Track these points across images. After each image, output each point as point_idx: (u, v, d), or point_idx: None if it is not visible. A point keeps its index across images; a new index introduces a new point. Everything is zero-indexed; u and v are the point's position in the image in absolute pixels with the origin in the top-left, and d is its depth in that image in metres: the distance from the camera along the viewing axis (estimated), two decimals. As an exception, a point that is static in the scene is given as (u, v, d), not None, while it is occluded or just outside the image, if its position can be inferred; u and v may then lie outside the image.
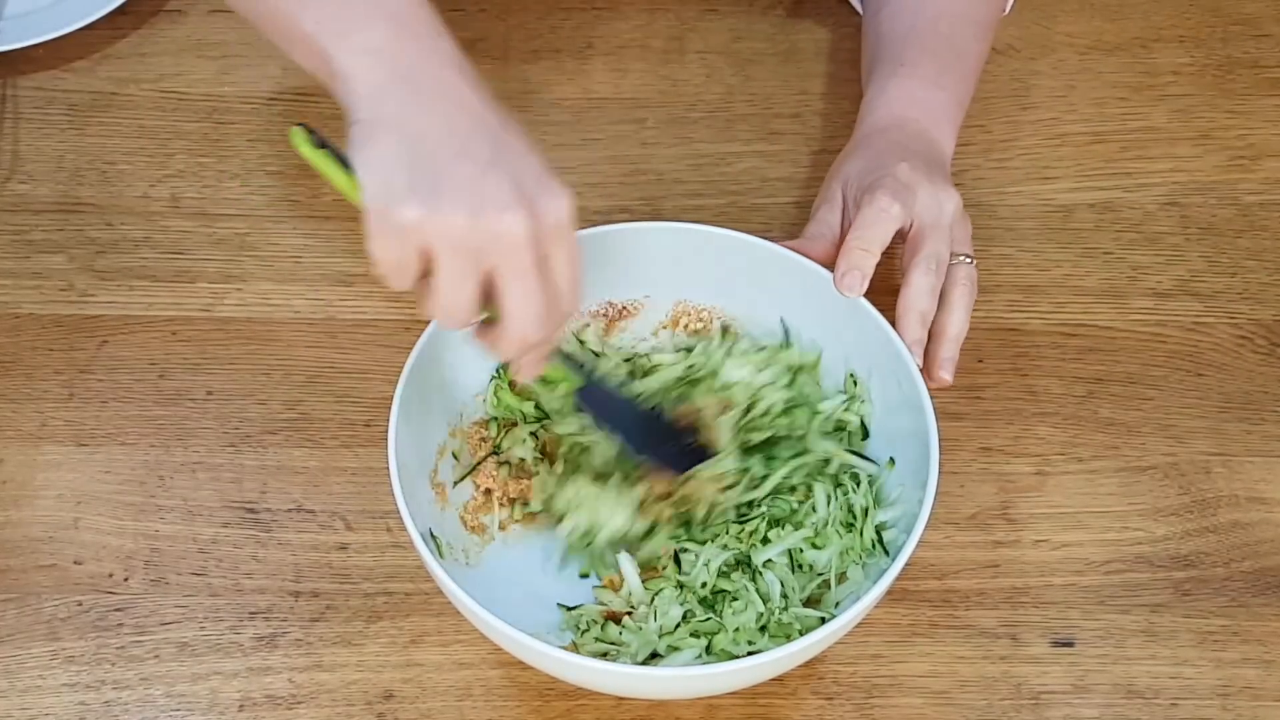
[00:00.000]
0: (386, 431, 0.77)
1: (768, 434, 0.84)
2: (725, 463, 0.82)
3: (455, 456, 0.85)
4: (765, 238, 0.86)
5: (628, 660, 0.79)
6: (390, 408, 0.78)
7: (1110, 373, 0.95)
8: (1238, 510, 0.89)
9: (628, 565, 0.82)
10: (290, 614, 0.84)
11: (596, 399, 0.81)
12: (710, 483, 0.83)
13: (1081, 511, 0.89)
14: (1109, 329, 0.97)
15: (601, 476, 0.83)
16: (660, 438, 0.83)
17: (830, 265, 0.84)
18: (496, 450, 0.86)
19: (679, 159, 1.06)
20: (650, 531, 0.83)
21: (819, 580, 0.82)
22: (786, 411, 0.85)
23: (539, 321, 0.71)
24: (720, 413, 0.84)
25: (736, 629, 0.79)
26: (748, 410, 0.85)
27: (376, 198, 0.69)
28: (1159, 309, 0.98)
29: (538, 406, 0.87)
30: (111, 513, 0.88)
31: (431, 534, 0.79)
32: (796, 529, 0.82)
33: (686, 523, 0.83)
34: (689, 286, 0.90)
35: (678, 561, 0.82)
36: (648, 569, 0.83)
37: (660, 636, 0.79)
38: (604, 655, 0.79)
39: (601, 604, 0.82)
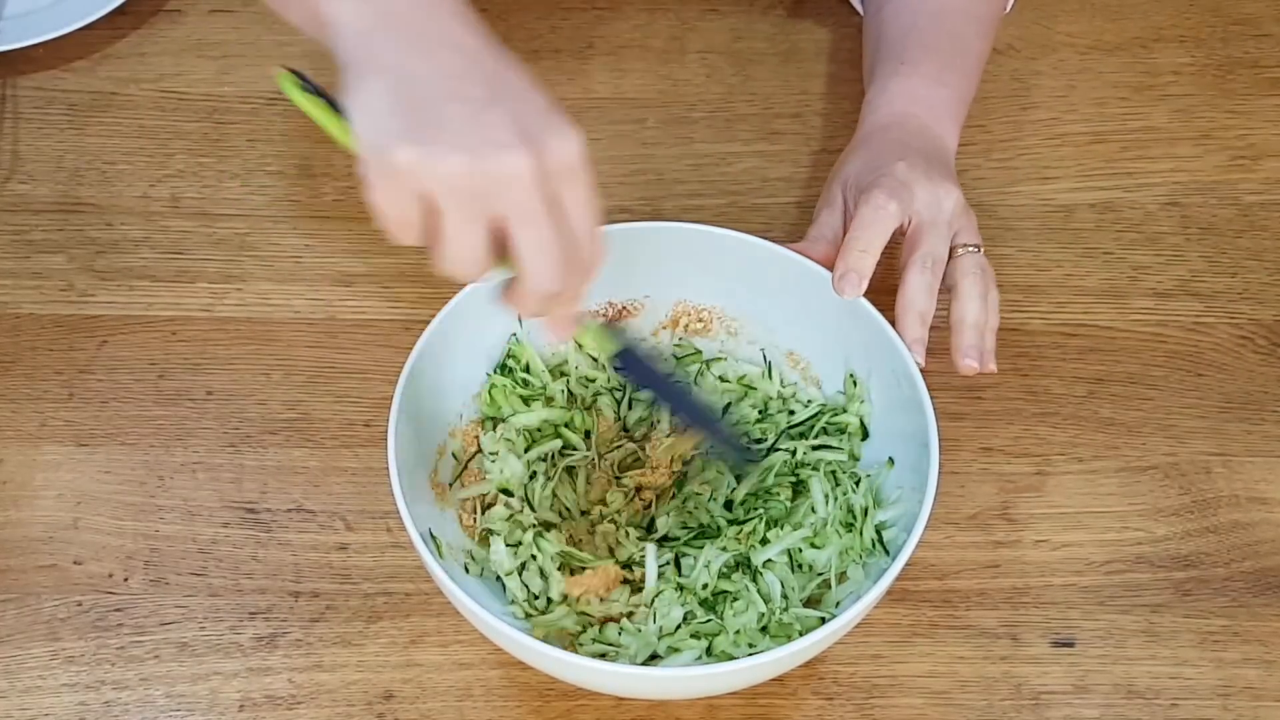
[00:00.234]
0: (386, 431, 0.77)
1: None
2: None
3: (455, 456, 0.85)
4: (765, 238, 0.86)
5: (627, 661, 0.79)
6: (390, 408, 0.78)
7: (1111, 373, 0.95)
8: (1238, 510, 0.89)
9: (650, 556, 0.81)
10: (290, 614, 0.84)
11: (635, 364, 0.80)
12: (664, 464, 0.84)
13: (1082, 511, 0.89)
14: (1109, 329, 0.97)
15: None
16: (696, 406, 0.83)
17: (832, 266, 0.84)
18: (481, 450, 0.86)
19: (679, 159, 1.06)
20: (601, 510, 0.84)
21: (819, 580, 0.81)
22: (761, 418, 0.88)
23: (557, 271, 0.67)
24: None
25: (738, 631, 0.79)
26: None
27: (369, 142, 0.65)
28: (1159, 309, 0.98)
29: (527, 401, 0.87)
30: (111, 513, 0.88)
31: (431, 534, 0.79)
32: (795, 529, 0.82)
33: (642, 525, 0.84)
34: (689, 286, 0.90)
35: (677, 565, 0.82)
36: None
37: (660, 638, 0.79)
38: (603, 657, 0.79)
39: (582, 613, 0.81)
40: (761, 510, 0.83)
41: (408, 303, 0.97)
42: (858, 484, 0.83)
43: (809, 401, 0.89)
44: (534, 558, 0.80)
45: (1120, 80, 1.11)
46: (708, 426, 0.82)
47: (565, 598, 0.80)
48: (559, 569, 0.81)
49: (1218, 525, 0.88)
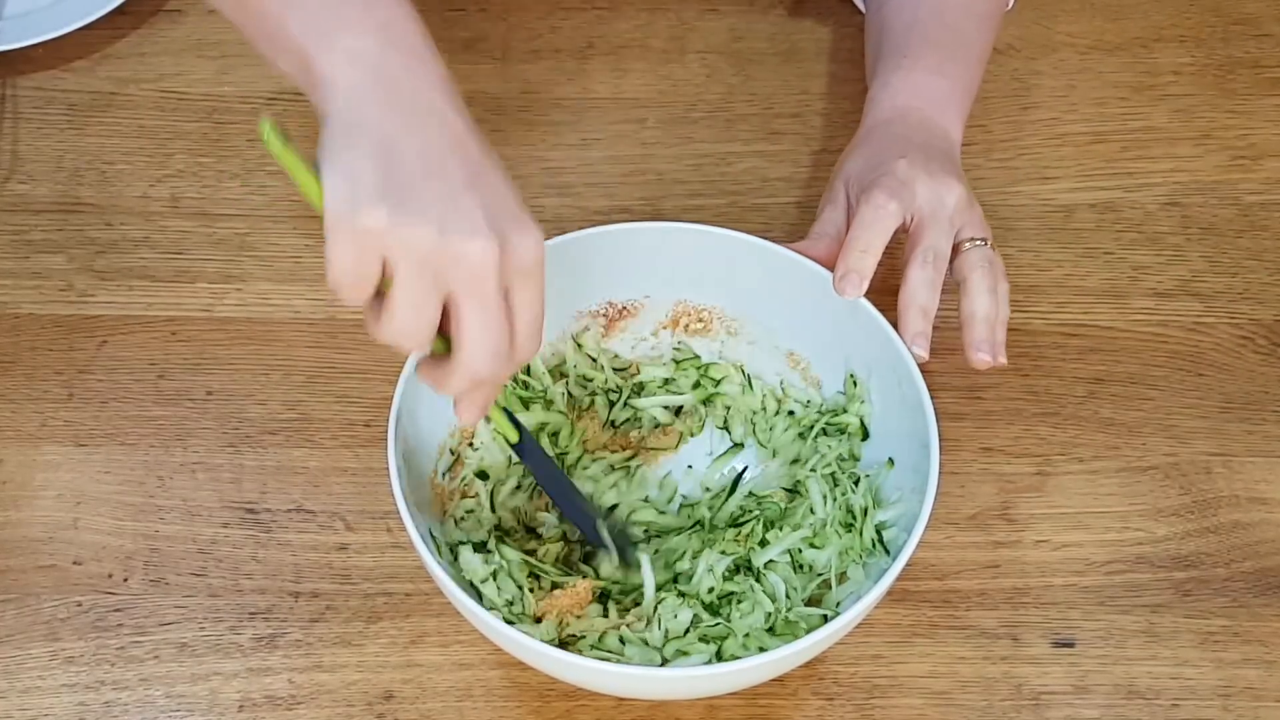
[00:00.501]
0: (386, 431, 0.77)
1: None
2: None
3: (454, 455, 0.85)
4: (765, 238, 0.86)
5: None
6: (390, 408, 0.78)
7: (1111, 373, 0.95)
8: (1238, 510, 0.89)
9: (646, 566, 0.81)
10: (290, 614, 0.84)
11: (534, 457, 0.81)
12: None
13: (1082, 512, 0.89)
14: (1110, 329, 0.97)
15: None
16: (583, 511, 0.82)
17: (834, 266, 0.83)
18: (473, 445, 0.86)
19: (679, 159, 1.06)
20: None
21: (819, 580, 0.81)
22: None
23: (492, 357, 0.69)
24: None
25: (746, 634, 0.79)
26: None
27: (340, 199, 0.65)
28: (1160, 309, 0.98)
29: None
30: (111, 513, 0.88)
31: (431, 534, 0.79)
32: (794, 530, 0.82)
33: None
34: (689, 286, 0.90)
35: (674, 578, 0.82)
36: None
37: (669, 641, 0.79)
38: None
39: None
40: (757, 512, 0.83)
41: (408, 303, 0.97)
42: (857, 484, 0.83)
43: (808, 402, 0.89)
44: (502, 567, 0.80)
45: (1121, 80, 1.11)
46: (585, 524, 0.82)
47: (540, 619, 0.79)
48: (528, 577, 0.80)
49: (1218, 525, 0.88)
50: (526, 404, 0.87)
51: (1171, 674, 0.83)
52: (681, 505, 0.87)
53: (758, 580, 0.81)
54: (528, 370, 0.88)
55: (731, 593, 0.81)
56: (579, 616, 0.79)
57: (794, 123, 1.08)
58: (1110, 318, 0.98)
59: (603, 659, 0.78)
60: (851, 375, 0.87)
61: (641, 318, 0.91)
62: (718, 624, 0.79)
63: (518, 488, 0.84)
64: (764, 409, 0.89)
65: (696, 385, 0.90)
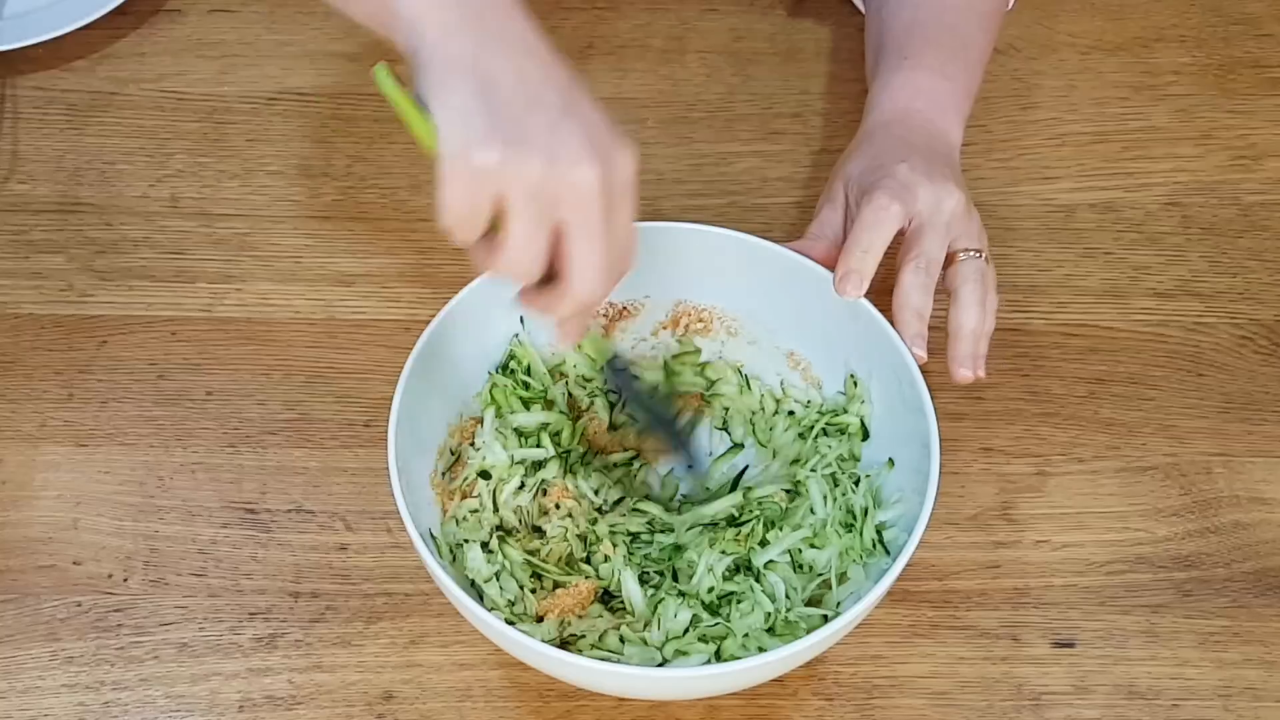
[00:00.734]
0: (386, 432, 0.77)
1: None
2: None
3: (455, 455, 0.85)
4: (765, 238, 0.86)
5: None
6: (390, 408, 0.78)
7: (1111, 373, 0.95)
8: (1239, 511, 0.89)
9: (630, 582, 0.81)
10: (290, 615, 0.84)
11: (620, 373, 0.84)
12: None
13: (1083, 512, 0.89)
14: (1110, 329, 0.97)
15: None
16: (663, 416, 0.85)
17: (832, 266, 0.83)
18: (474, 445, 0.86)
19: (679, 159, 1.06)
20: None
21: (819, 580, 0.81)
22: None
23: (601, 281, 0.70)
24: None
25: (745, 634, 0.78)
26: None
27: (455, 141, 0.66)
28: (1160, 309, 0.98)
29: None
30: (111, 513, 0.88)
31: (432, 534, 0.79)
32: (795, 530, 0.82)
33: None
34: (689, 286, 0.90)
35: (674, 576, 0.82)
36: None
37: (668, 641, 0.79)
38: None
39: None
40: (757, 512, 0.83)
41: (408, 303, 0.97)
42: (857, 484, 0.83)
43: (808, 402, 0.89)
44: (505, 567, 0.80)
45: (1121, 80, 1.11)
46: (668, 434, 0.85)
47: (541, 619, 0.79)
48: (531, 577, 0.80)
49: (1218, 526, 0.88)
50: (527, 404, 0.87)
51: (1172, 674, 0.83)
52: (682, 503, 0.87)
53: (758, 580, 0.81)
54: (528, 370, 0.88)
55: (731, 593, 0.80)
56: (581, 616, 0.79)
57: (794, 123, 1.08)
58: (1110, 318, 0.98)
59: (603, 659, 0.78)
60: (852, 375, 0.87)
61: (641, 318, 0.91)
62: (717, 624, 0.79)
63: (520, 487, 0.84)
64: (762, 409, 0.89)
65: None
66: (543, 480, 0.84)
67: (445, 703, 0.81)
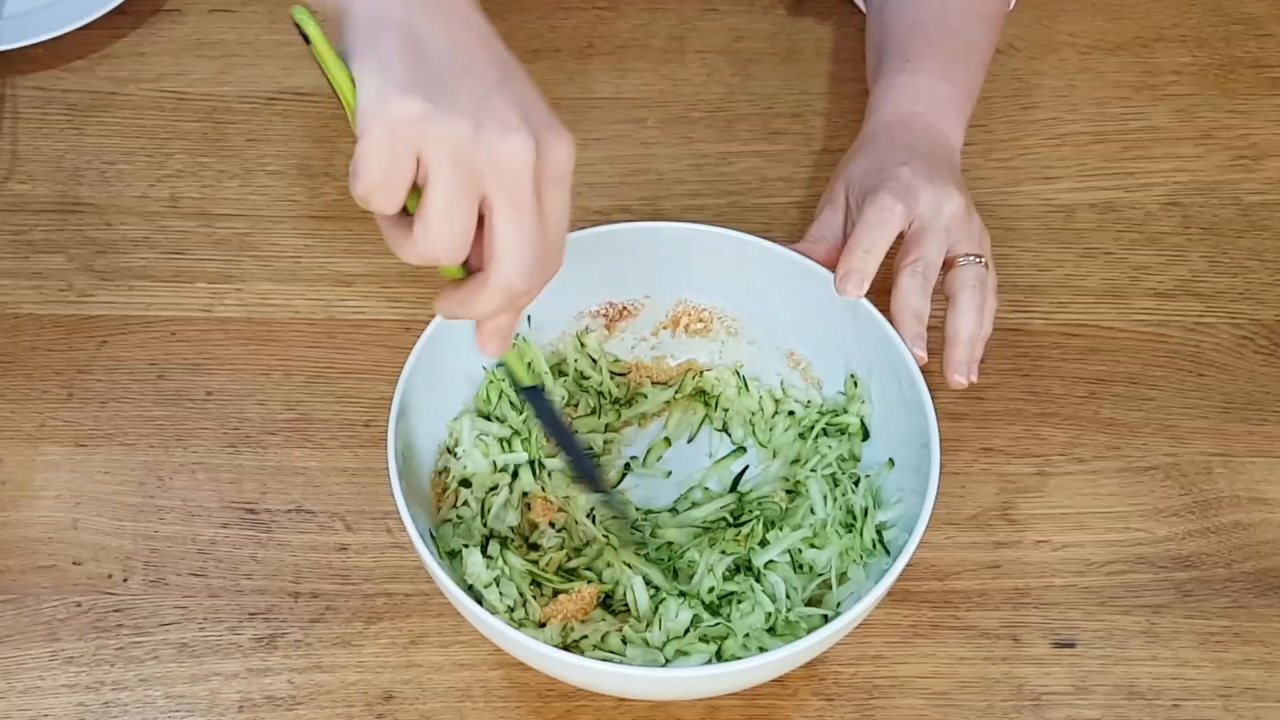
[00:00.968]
0: (386, 431, 0.77)
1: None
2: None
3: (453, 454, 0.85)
4: (765, 238, 0.86)
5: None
6: (390, 408, 0.78)
7: (1112, 373, 0.95)
8: (1239, 511, 0.89)
9: (639, 587, 0.81)
10: (290, 615, 0.84)
11: (538, 402, 0.81)
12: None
13: (1083, 512, 0.89)
14: (1110, 329, 0.97)
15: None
16: (580, 453, 0.82)
17: (832, 267, 0.83)
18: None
19: (679, 159, 1.06)
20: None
21: (819, 580, 0.81)
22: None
23: (529, 268, 0.65)
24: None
25: (746, 634, 0.78)
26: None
27: (373, 90, 0.62)
28: (1160, 309, 0.98)
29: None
30: (110, 513, 0.88)
31: (431, 534, 0.79)
32: (795, 530, 0.82)
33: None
34: (689, 286, 0.90)
35: (675, 575, 0.82)
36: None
37: (669, 641, 0.79)
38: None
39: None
40: (757, 512, 0.83)
41: (407, 303, 0.97)
42: (858, 484, 0.83)
43: (808, 403, 0.89)
44: (505, 573, 0.80)
45: (1121, 80, 1.11)
46: (587, 475, 0.82)
47: (544, 624, 0.79)
48: (530, 585, 0.80)
49: (1219, 526, 0.88)
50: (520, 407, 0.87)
51: (1172, 674, 0.83)
52: (649, 515, 0.86)
53: (758, 580, 0.81)
54: (529, 367, 0.87)
55: (732, 593, 0.80)
56: (584, 621, 0.79)
57: (794, 123, 1.08)
58: (1111, 318, 0.98)
59: (603, 659, 0.77)
60: (852, 375, 0.86)
61: (641, 318, 0.91)
62: (718, 624, 0.79)
63: (505, 503, 0.84)
64: (761, 409, 0.89)
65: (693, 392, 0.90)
66: (525, 493, 0.84)
67: (445, 703, 0.81)
